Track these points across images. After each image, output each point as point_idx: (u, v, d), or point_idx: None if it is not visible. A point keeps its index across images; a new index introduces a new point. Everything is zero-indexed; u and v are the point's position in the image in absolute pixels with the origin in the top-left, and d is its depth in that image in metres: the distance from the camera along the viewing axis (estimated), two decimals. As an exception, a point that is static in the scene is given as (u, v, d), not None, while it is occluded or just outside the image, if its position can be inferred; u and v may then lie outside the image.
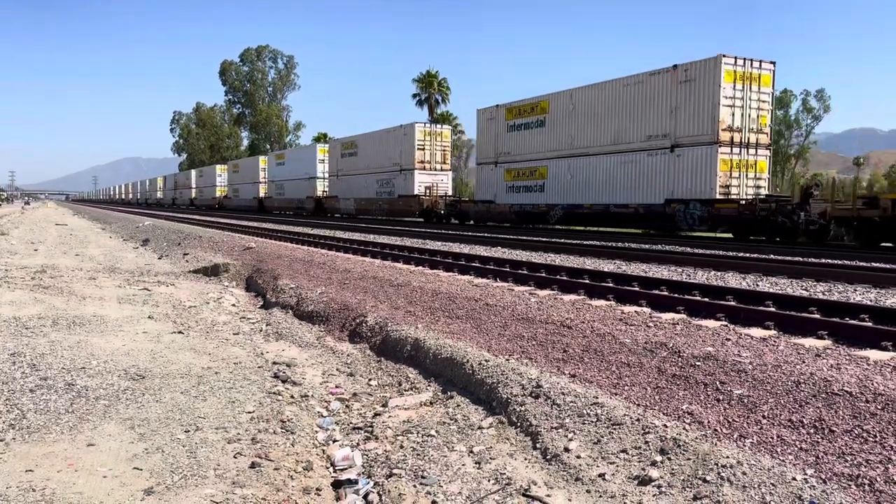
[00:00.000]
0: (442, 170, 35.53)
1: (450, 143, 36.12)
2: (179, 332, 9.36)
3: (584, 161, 24.48)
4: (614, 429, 5.06)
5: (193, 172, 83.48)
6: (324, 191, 46.19)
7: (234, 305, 12.65)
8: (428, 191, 33.98)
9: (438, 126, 36.13)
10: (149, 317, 10.34)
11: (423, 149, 34.83)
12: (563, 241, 18.45)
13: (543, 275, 11.32)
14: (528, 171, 27.47)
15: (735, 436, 4.69)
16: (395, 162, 36.08)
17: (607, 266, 12.77)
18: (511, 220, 28.33)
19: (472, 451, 5.36)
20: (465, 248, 17.04)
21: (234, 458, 5.00)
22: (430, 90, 62.87)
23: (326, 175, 46.00)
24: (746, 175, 20.29)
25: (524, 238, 19.51)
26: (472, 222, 30.90)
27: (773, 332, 6.93)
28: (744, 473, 4.14)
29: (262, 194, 58.17)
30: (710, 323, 7.45)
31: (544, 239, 19.26)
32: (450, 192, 35.23)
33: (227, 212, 57.98)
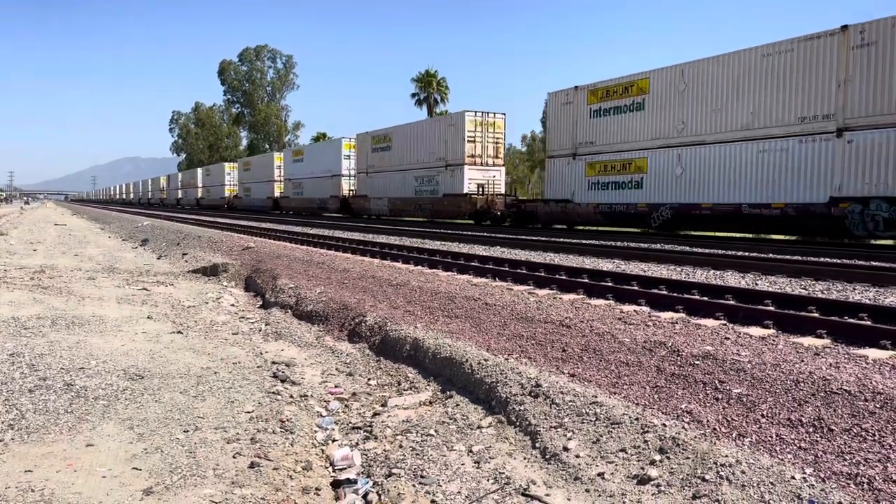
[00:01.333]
0: (494, 165, 30.96)
1: (503, 133, 31.18)
2: (178, 332, 9.36)
3: (702, 151, 20.16)
4: (613, 428, 5.06)
5: (200, 171, 79.41)
6: (350, 189, 41.97)
7: (233, 305, 12.65)
8: (481, 189, 29.93)
9: (491, 114, 30.55)
10: (148, 317, 10.33)
11: (474, 141, 30.18)
12: (561, 240, 18.45)
13: (542, 274, 11.33)
14: (620, 164, 22.97)
15: (734, 435, 4.69)
16: (440, 156, 31.74)
17: (606, 265, 12.77)
18: (597, 223, 24.27)
19: (471, 451, 5.36)
20: (464, 248, 17.04)
21: (234, 457, 5.00)
22: (429, 90, 62.85)
23: (353, 172, 41.78)
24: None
25: (523, 237, 19.50)
26: (538, 225, 26.43)
27: (772, 331, 6.94)
28: (743, 472, 4.14)
29: (277, 193, 54.19)
30: (710, 322, 7.46)
31: (543, 238, 19.24)
32: (502, 190, 30.96)
33: (238, 213, 54.49)
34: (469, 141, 30.27)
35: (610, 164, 23.37)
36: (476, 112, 30.54)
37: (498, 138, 31.14)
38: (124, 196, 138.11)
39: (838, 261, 12.38)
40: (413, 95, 63.74)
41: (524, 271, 11.79)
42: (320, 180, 45.21)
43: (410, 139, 34.81)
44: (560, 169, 25.55)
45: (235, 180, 66.20)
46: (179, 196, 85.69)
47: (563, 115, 25.35)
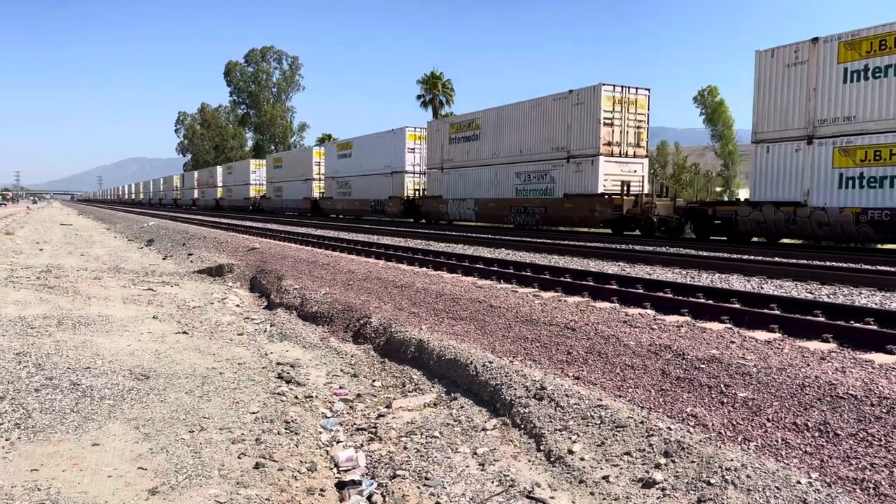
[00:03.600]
0: (636, 156, 23.43)
1: (647, 115, 23.62)
2: (184, 333, 9.38)
3: None
4: (618, 431, 5.06)
5: (220, 169, 71.63)
6: (417, 188, 35.03)
7: (238, 306, 12.67)
8: (626, 187, 22.08)
9: (633, 90, 23.12)
10: (153, 317, 10.36)
11: (612, 124, 22.68)
12: (567, 242, 18.42)
13: (547, 277, 11.32)
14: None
15: (739, 439, 4.68)
16: (558, 146, 24.41)
17: (611, 268, 12.76)
18: (861, 237, 16.60)
19: (475, 453, 5.36)
20: (469, 250, 17.04)
21: (239, 458, 5.01)
22: (434, 91, 62.84)
23: (420, 168, 35.09)
24: None
25: (527, 240, 19.48)
26: (721, 238, 19.45)
27: (777, 335, 6.92)
28: (748, 476, 4.14)
29: (316, 194, 46.87)
30: (715, 325, 7.44)
31: (548, 241, 19.21)
32: (645, 189, 23.15)
33: (267, 216, 46.90)
34: (605, 124, 22.64)
35: (882, 149, 15.73)
36: (614, 86, 22.89)
37: (640, 121, 23.47)
38: (133, 196, 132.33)
39: (844, 265, 12.35)
40: (418, 97, 63.79)
41: (529, 273, 11.78)
42: (375, 178, 37.80)
43: (509, 125, 27.30)
44: (780, 158, 17.97)
45: (263, 179, 59.06)
46: (196, 196, 79.18)
47: (787, 82, 17.83)
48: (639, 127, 23.57)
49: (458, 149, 30.95)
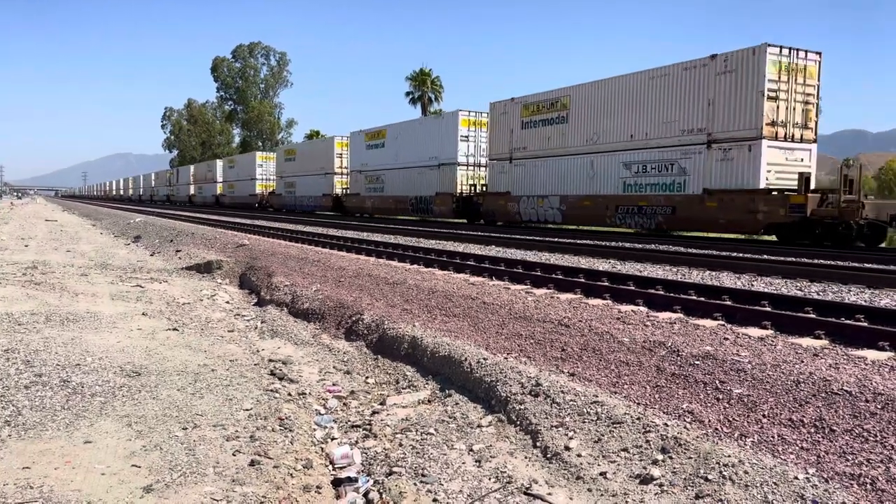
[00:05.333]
0: (803, 140, 18.20)
1: (816, 87, 18.34)
2: (174, 329, 9.30)
3: None
4: (615, 427, 5.06)
5: (220, 163, 66.04)
6: (473, 183, 29.54)
7: (228, 303, 12.59)
8: (804, 181, 16.61)
9: (803, 53, 18.00)
10: (143, 313, 10.27)
11: (776, 98, 17.46)
12: (556, 239, 18.45)
13: (539, 273, 11.32)
14: None
15: (736, 435, 4.70)
16: (689, 127, 19.23)
17: (602, 265, 12.78)
18: None
19: (471, 450, 5.35)
20: (460, 247, 17.02)
21: (233, 455, 4.97)
22: (423, 88, 62.80)
23: (476, 159, 30.10)
24: None
25: (518, 237, 19.49)
26: None
27: (770, 332, 6.95)
28: (746, 472, 4.15)
29: (338, 190, 41.36)
30: (708, 322, 7.47)
31: (538, 238, 19.22)
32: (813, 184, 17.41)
33: (280, 215, 41.84)
34: (770, 98, 17.41)
35: None
36: (781, 48, 17.57)
37: (809, 95, 18.17)
38: (122, 192, 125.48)
39: (833, 262, 12.44)
40: (407, 94, 63.71)
41: (520, 270, 11.78)
42: (416, 172, 32.39)
43: (612, 104, 21.95)
44: None
45: (271, 173, 53.75)
46: (192, 192, 73.22)
47: None
48: (807, 102, 18.15)
49: (535, 135, 25.11)
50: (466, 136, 29.91)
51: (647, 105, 20.68)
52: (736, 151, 18.07)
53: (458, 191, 29.77)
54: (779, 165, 17.71)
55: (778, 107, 17.61)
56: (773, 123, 17.55)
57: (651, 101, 20.56)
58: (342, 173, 41.66)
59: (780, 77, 17.52)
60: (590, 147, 22.77)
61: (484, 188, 29.06)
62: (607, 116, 22.12)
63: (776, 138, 17.62)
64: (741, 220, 17.86)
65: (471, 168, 30.11)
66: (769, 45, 17.35)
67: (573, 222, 24.28)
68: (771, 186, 17.43)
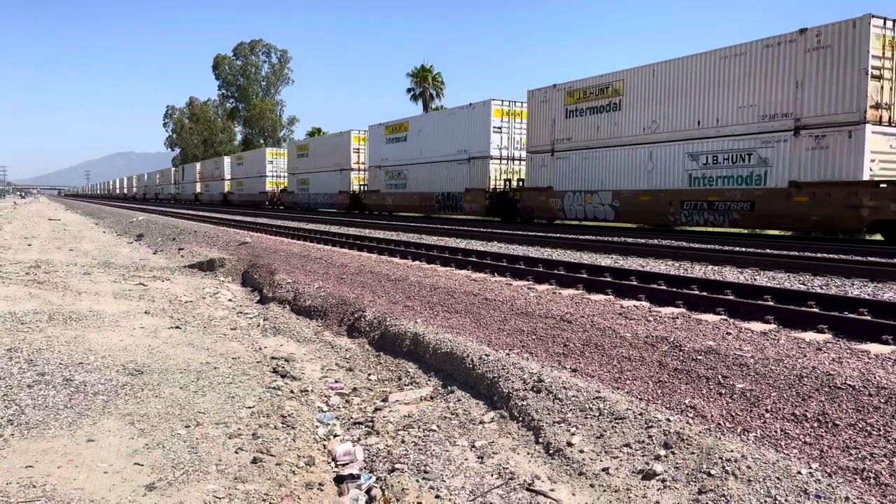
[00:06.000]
0: None
1: None
2: (177, 328, 9.31)
3: None
4: (617, 423, 5.05)
5: (228, 160, 64.62)
6: (508, 178, 27.44)
7: (230, 300, 12.60)
8: None
9: None
10: (145, 312, 10.28)
11: (880, 77, 15.52)
12: (558, 235, 18.42)
13: (541, 269, 11.30)
14: None
15: (739, 430, 4.69)
16: (777, 112, 16.98)
17: (604, 261, 12.77)
18: None
19: (474, 446, 5.35)
20: (462, 244, 17.01)
21: (236, 453, 4.97)
22: (424, 84, 62.77)
23: (511, 152, 27.75)
24: None
25: (520, 233, 19.47)
26: None
27: (773, 326, 6.93)
28: (749, 467, 4.14)
29: (356, 187, 39.41)
30: (710, 317, 7.45)
31: (540, 234, 19.19)
32: None
33: (293, 213, 39.93)
34: (874, 77, 15.31)
35: None
36: (885, 20, 15.49)
37: None
38: (126, 191, 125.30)
39: (835, 256, 12.41)
40: (408, 90, 63.68)
41: (522, 266, 11.77)
42: (443, 166, 30.47)
43: (675, 88, 19.71)
44: None
45: (282, 170, 52.19)
46: (198, 190, 71.49)
47: None
48: None
49: (582, 124, 22.96)
50: (499, 128, 27.59)
51: (718, 88, 18.46)
52: (832, 138, 15.83)
53: (491, 186, 27.50)
54: (883, 154, 15.49)
55: (882, 87, 15.36)
56: (877, 106, 15.30)
57: (723, 84, 18.29)
58: (359, 169, 39.72)
59: (884, 53, 15.37)
60: (648, 136, 20.62)
61: (520, 183, 26.68)
62: (669, 102, 19.93)
63: (881, 122, 15.42)
64: (839, 217, 15.60)
65: (504, 162, 27.85)
66: (873, 17, 15.33)
67: (628, 220, 21.86)
68: (877, 178, 15.30)
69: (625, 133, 21.47)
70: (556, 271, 11.00)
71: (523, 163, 27.08)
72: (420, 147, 32.48)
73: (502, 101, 27.73)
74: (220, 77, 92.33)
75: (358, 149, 39.88)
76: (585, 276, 10.44)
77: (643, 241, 16.45)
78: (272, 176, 53.26)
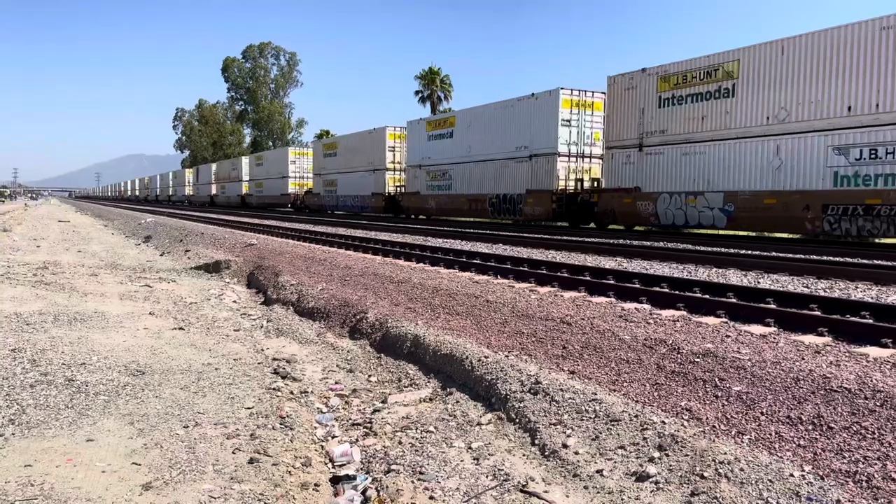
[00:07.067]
0: None
1: None
2: (180, 329, 9.37)
3: None
4: (613, 425, 5.06)
5: (246, 160, 61.52)
6: (579, 178, 24.16)
7: (235, 302, 12.67)
8: None
9: None
10: (150, 313, 10.35)
11: None
12: (565, 237, 18.41)
13: (544, 272, 11.31)
14: None
15: (733, 432, 4.68)
16: None
17: (608, 263, 12.75)
18: None
19: (470, 447, 5.37)
20: (467, 246, 17.03)
21: (233, 453, 5.01)
22: (432, 87, 62.89)
23: (580, 149, 24.22)
24: None
25: (526, 235, 19.46)
26: None
27: (773, 329, 6.92)
28: (741, 470, 4.14)
29: (391, 188, 36.08)
30: (710, 320, 7.44)
31: (546, 236, 19.17)
32: None
33: (314, 214, 38.66)
34: None
35: None
36: None
37: None
38: (137, 193, 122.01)
39: (841, 259, 12.35)
40: (416, 93, 63.82)
41: (526, 269, 11.77)
42: (498, 165, 26.99)
43: (807, 68, 16.61)
44: None
45: (305, 170, 49.40)
46: (214, 192, 69.20)
47: None
48: None
49: (680, 114, 19.69)
50: (568, 120, 23.92)
51: (876, 65, 15.11)
52: None
53: (559, 187, 23.90)
54: None
55: None
56: None
57: (884, 60, 14.92)
58: (395, 169, 36.29)
59: None
60: (773, 127, 17.26)
61: (595, 183, 23.55)
62: (805, 85, 16.55)
63: None
64: None
65: (573, 159, 24.19)
66: None
67: (747, 227, 18.35)
68: None
69: (740, 123, 18.00)
70: (559, 274, 11.00)
71: (595, 160, 24.33)
72: (469, 144, 29.02)
73: (571, 90, 24.13)
74: (230, 79, 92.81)
75: (394, 147, 36.41)
76: (588, 278, 10.44)
77: (648, 243, 16.38)
78: (295, 177, 50.08)
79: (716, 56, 18.86)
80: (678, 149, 19.77)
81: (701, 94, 19.16)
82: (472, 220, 29.47)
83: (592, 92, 24.16)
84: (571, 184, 24.13)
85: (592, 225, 23.04)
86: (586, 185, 23.91)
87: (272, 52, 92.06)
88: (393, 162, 36.41)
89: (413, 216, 33.78)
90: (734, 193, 18.01)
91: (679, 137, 19.76)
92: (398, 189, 35.63)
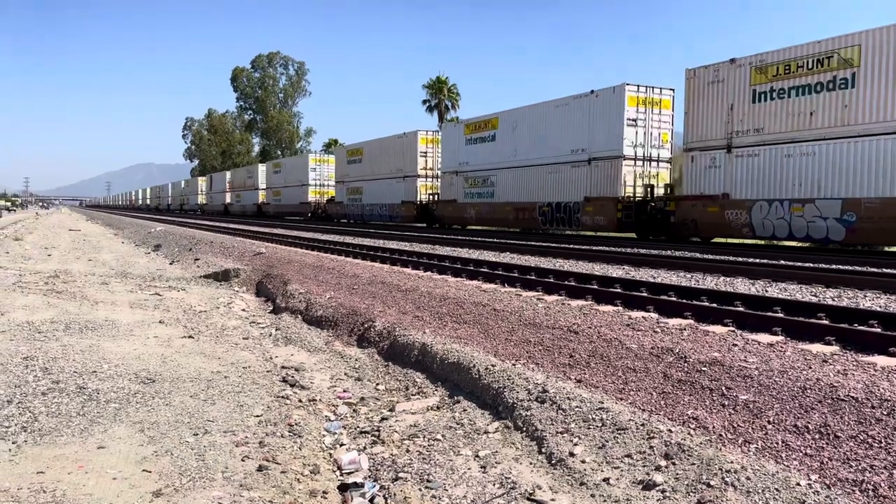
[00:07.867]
0: None
1: None
2: (190, 337, 9.44)
3: None
4: (619, 434, 5.07)
5: (262, 168, 59.68)
6: (649, 184, 21.81)
7: (244, 310, 12.74)
8: None
9: None
10: (160, 321, 10.44)
11: None
12: (573, 246, 18.41)
13: (552, 280, 11.33)
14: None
15: (740, 441, 4.69)
16: None
17: (616, 272, 12.76)
18: None
19: (477, 456, 5.39)
20: (474, 254, 17.06)
21: (242, 461, 5.05)
22: (440, 96, 63.02)
23: (648, 151, 22.07)
24: None
25: (534, 243, 19.48)
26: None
27: (780, 338, 6.91)
28: (748, 479, 4.15)
29: (423, 196, 33.89)
30: (718, 328, 7.44)
31: (553, 244, 19.19)
32: None
33: (336, 224, 37.00)
34: None
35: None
36: None
37: None
38: (148, 202, 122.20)
39: (849, 268, 12.30)
40: (424, 102, 63.98)
41: (533, 277, 11.80)
42: (546, 171, 24.90)
43: None
44: None
45: (326, 178, 47.22)
46: (228, 201, 68.12)
47: None
48: None
49: (780, 109, 17.13)
50: (635, 120, 21.69)
51: None
52: None
53: (624, 194, 21.55)
54: None
55: None
56: None
57: None
58: (427, 175, 34.03)
59: None
60: None
61: (669, 190, 21.28)
62: None
63: None
64: None
65: (639, 163, 21.85)
66: None
67: (872, 240, 15.73)
68: None
69: (860, 119, 15.49)
70: (566, 282, 11.01)
71: (663, 164, 22.30)
72: (514, 147, 26.65)
73: (637, 86, 21.96)
74: (239, 89, 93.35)
75: (426, 152, 33.99)
76: (596, 287, 10.45)
77: (655, 252, 16.35)
78: (316, 185, 47.71)
79: (829, 41, 16.15)
80: (778, 150, 17.19)
81: (809, 86, 16.52)
82: (516, 230, 27.18)
83: (661, 88, 22.31)
84: (640, 190, 21.75)
85: (664, 238, 20.46)
86: (658, 191, 21.54)
87: (281, 62, 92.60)
88: (425, 168, 34.26)
89: (448, 226, 31.84)
90: (856, 201, 15.27)
91: (780, 136, 17.15)
92: (431, 197, 33.59)
